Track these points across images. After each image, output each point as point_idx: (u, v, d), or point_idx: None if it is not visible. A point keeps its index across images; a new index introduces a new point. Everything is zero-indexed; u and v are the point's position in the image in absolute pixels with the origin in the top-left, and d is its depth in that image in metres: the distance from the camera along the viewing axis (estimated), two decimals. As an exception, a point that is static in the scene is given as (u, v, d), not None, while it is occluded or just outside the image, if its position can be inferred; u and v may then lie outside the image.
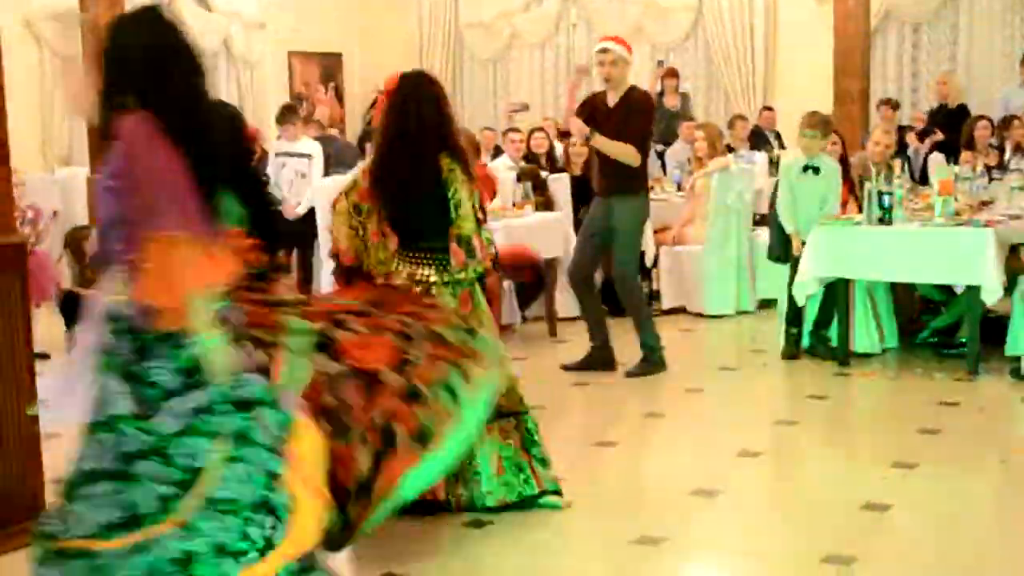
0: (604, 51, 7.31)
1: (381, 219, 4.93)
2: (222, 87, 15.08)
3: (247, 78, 15.36)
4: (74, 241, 8.77)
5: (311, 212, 9.30)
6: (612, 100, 7.30)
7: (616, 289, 7.65)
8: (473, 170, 4.95)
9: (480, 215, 4.90)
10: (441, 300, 4.77)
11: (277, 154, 9.78)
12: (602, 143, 7.15)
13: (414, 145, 4.82)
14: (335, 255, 5.10)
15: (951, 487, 5.34)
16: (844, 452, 6.08)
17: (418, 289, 4.86)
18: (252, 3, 15.25)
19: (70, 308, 8.47)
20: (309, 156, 9.55)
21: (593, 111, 7.34)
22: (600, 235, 7.43)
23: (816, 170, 7.74)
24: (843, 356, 7.52)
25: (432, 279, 4.88)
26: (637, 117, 7.28)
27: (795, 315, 7.74)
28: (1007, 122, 10.97)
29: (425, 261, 4.88)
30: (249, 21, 15.23)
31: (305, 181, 9.49)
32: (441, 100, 4.94)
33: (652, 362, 7.46)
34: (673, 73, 13.88)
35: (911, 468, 5.47)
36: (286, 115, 9.83)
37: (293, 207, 9.43)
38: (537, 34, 16.01)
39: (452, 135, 4.91)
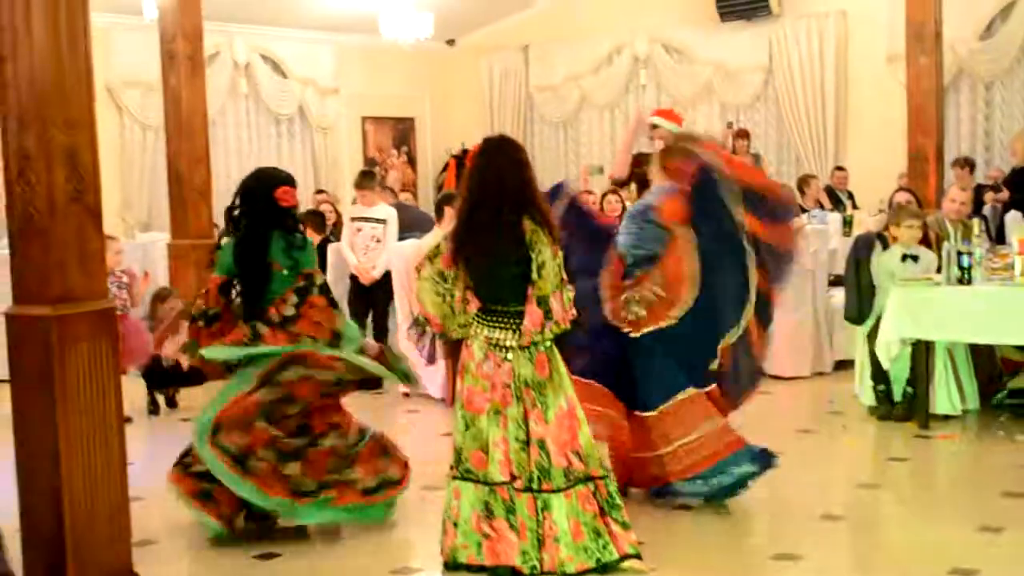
0: (653, 127, 7.24)
1: (466, 284, 4.98)
2: (297, 152, 15.37)
3: (321, 143, 15.61)
4: (153, 303, 8.92)
5: (387, 276, 9.41)
6: None
7: None
8: (557, 233, 4.96)
9: (564, 276, 4.91)
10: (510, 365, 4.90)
11: (353, 219, 9.90)
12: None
13: (496, 208, 4.85)
14: (423, 319, 5.14)
15: (1039, 552, 5.26)
16: (928, 516, 6.00)
17: (496, 353, 4.92)
18: (326, 69, 15.53)
19: (153, 371, 8.61)
20: (384, 221, 9.65)
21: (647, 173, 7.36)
22: None
23: (915, 259, 7.70)
24: (923, 418, 7.45)
25: (509, 343, 4.91)
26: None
27: (879, 371, 7.66)
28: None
29: (502, 325, 4.92)
30: (323, 87, 15.51)
31: (380, 246, 9.59)
32: (523, 164, 4.98)
33: None
34: (744, 134, 13.90)
35: (997, 532, 5.40)
36: (363, 180, 9.96)
37: (369, 271, 9.53)
38: (607, 96, 16.13)
39: (535, 198, 4.93)
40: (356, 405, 9.10)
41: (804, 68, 14.61)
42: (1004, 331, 7.26)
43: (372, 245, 9.61)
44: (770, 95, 15.04)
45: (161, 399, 8.78)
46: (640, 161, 7.41)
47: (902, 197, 8.93)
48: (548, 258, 4.81)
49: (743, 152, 13.58)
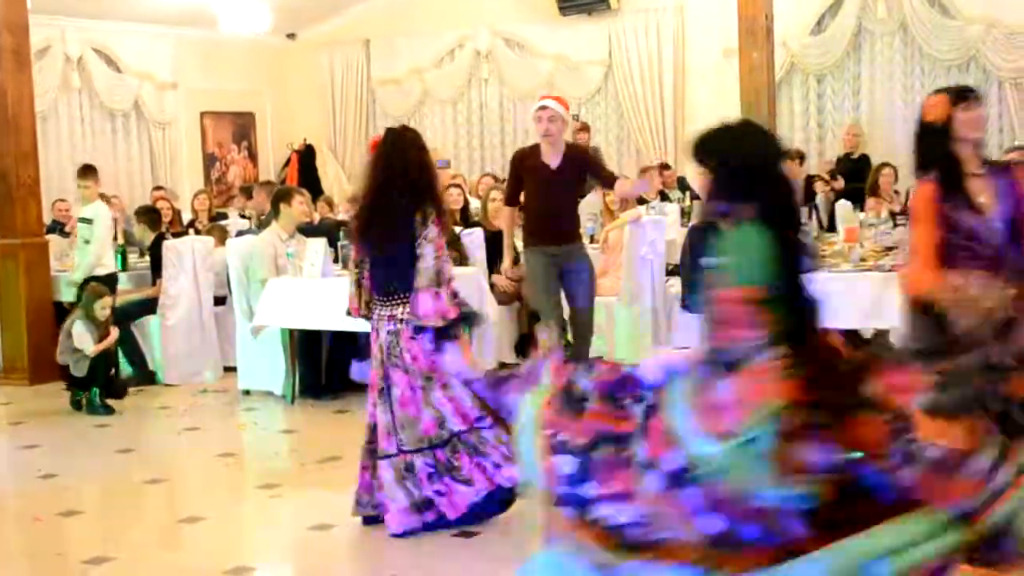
0: (543, 108, 7.29)
1: (369, 266, 5.27)
2: (134, 147, 15.01)
3: (159, 138, 15.27)
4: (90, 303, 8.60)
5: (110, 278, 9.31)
6: (554, 158, 7.28)
7: (581, 322, 7.63)
8: (448, 224, 5.28)
9: (447, 276, 5.13)
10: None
11: (79, 219, 9.66)
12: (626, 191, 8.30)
13: (395, 194, 5.12)
14: (349, 311, 5.44)
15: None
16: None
17: (396, 328, 5.12)
18: (164, 63, 15.20)
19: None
20: (91, 221, 9.37)
21: (533, 170, 7.30)
22: (557, 280, 7.46)
23: None
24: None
25: (405, 317, 5.12)
26: (598, 165, 8.04)
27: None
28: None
29: (400, 302, 5.14)
30: (161, 81, 15.17)
31: (87, 248, 9.28)
32: (423, 151, 5.27)
33: None
34: (585, 128, 14.03)
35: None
36: (82, 172, 9.64)
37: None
38: (449, 90, 16.12)
39: (432, 184, 5.24)
40: (193, 403, 8.97)
41: (643, 62, 14.82)
42: (833, 316, 7.42)
43: (81, 247, 9.35)
44: (610, 89, 15.21)
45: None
46: (520, 160, 7.44)
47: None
48: (427, 254, 5.05)
49: (584, 144, 13.72)
